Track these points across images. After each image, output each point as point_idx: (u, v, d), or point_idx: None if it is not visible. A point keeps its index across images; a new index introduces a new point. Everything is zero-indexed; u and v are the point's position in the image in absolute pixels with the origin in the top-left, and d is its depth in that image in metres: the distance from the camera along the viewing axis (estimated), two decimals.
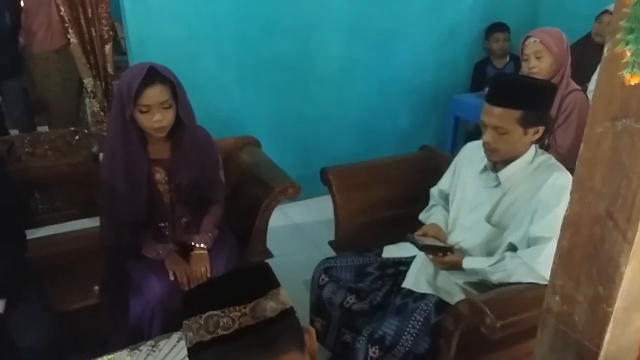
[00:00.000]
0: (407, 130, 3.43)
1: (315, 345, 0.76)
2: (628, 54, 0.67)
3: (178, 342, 1.47)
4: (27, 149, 1.94)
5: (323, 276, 1.74)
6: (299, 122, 3.08)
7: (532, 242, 1.46)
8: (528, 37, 2.09)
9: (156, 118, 1.54)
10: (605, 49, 0.77)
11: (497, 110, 1.45)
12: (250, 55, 2.81)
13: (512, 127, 1.45)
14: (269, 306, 0.69)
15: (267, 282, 0.73)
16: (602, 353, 0.87)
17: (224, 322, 0.66)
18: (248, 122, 2.83)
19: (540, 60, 2.04)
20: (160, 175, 1.70)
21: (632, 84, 0.69)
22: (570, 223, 0.89)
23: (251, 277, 0.74)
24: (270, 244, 2.01)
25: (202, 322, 0.67)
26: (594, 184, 0.83)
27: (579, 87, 2.12)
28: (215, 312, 0.67)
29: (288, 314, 0.71)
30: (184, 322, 0.71)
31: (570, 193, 0.88)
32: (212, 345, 0.66)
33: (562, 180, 1.46)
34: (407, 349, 1.44)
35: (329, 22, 2.94)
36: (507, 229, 1.55)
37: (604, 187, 0.82)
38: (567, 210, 0.89)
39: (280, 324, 0.69)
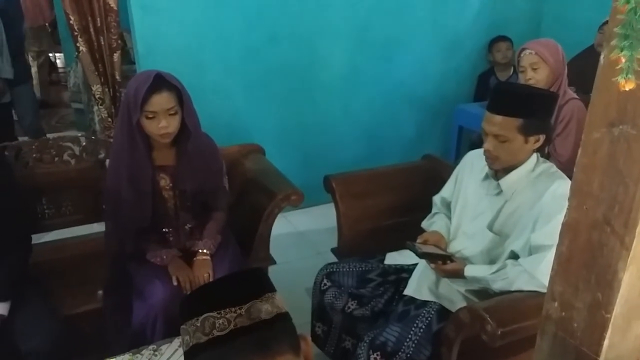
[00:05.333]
0: (411, 139, 3.45)
1: (311, 351, 0.77)
2: (623, 60, 0.68)
3: (180, 346, 1.47)
4: (34, 155, 1.97)
5: (325, 281, 1.75)
6: (303, 130, 3.10)
7: (533, 250, 1.46)
8: (524, 49, 2.12)
9: (162, 124, 1.56)
10: (602, 56, 0.78)
11: (498, 118, 1.46)
12: (256, 64, 2.84)
13: (513, 135, 1.46)
14: (264, 308, 0.69)
15: (262, 285, 0.74)
16: None
17: (219, 323, 0.67)
18: (253, 129, 2.85)
19: (536, 71, 2.07)
20: (164, 181, 1.72)
21: (627, 89, 0.70)
22: (568, 229, 0.89)
23: (246, 280, 0.75)
24: (274, 251, 2.02)
25: (198, 324, 0.68)
26: (592, 190, 0.84)
27: (576, 96, 2.14)
28: (212, 313, 0.68)
29: (283, 317, 0.72)
30: (181, 327, 0.72)
31: (569, 199, 0.88)
32: (208, 347, 0.67)
33: (564, 188, 1.45)
34: (408, 355, 1.44)
35: (333, 31, 2.97)
36: (508, 237, 1.56)
37: (601, 193, 0.82)
38: (565, 216, 0.89)
39: (275, 326, 0.69)
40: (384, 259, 1.80)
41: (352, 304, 1.69)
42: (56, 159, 1.99)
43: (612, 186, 0.80)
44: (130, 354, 1.46)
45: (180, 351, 1.46)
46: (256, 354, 0.66)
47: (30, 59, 4.51)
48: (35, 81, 4.46)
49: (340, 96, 3.14)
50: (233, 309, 0.68)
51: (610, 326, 0.84)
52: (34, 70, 4.65)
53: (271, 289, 0.74)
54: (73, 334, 1.60)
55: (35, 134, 3.39)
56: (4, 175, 1.64)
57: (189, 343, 0.69)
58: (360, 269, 1.76)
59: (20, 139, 3.23)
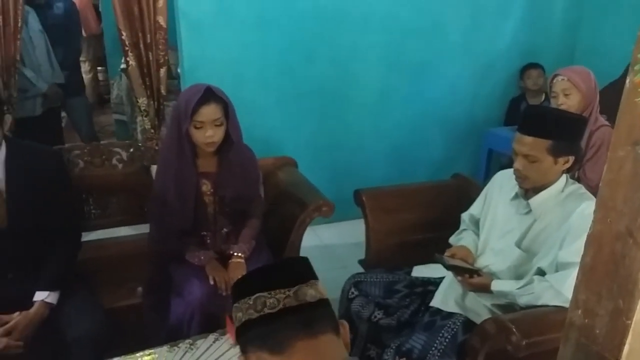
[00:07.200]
0: (440, 161, 3.50)
1: (348, 336, 0.84)
2: None
3: (214, 342, 1.56)
4: (85, 158, 2.11)
5: (353, 290, 1.81)
6: (335, 147, 3.20)
7: (560, 267, 1.49)
8: (556, 75, 2.17)
9: (208, 134, 1.68)
10: (627, 80, 0.85)
11: (528, 139, 1.52)
12: (292, 82, 2.97)
13: (543, 156, 1.51)
14: (309, 293, 0.77)
15: (307, 272, 0.82)
16: None
17: (270, 302, 0.75)
18: (287, 144, 2.96)
19: (568, 97, 2.11)
20: (206, 187, 1.82)
21: None
22: (593, 240, 0.95)
23: (294, 266, 0.83)
24: None
25: (250, 302, 0.76)
26: (616, 204, 0.89)
27: (608, 123, 2.17)
28: (263, 293, 0.76)
29: (325, 303, 0.79)
30: (234, 305, 0.80)
31: (594, 212, 0.94)
32: (259, 322, 0.75)
33: (592, 209, 1.48)
34: None
35: (367, 53, 3.08)
36: (536, 255, 1.59)
37: (624, 207, 0.88)
38: (590, 229, 0.95)
39: (319, 309, 0.77)
40: (410, 272, 1.85)
41: (378, 314, 1.74)
42: (105, 163, 2.13)
43: (635, 200, 0.86)
44: (168, 346, 1.54)
45: (215, 346, 1.54)
46: (303, 330, 0.73)
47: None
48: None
49: (371, 116, 3.23)
50: (282, 291, 0.75)
51: (630, 332, 0.88)
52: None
53: (315, 277, 0.81)
54: (114, 326, 1.70)
55: (91, 141, 3.57)
56: (62, 172, 1.78)
57: (241, 319, 0.77)
58: (387, 279, 1.81)
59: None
